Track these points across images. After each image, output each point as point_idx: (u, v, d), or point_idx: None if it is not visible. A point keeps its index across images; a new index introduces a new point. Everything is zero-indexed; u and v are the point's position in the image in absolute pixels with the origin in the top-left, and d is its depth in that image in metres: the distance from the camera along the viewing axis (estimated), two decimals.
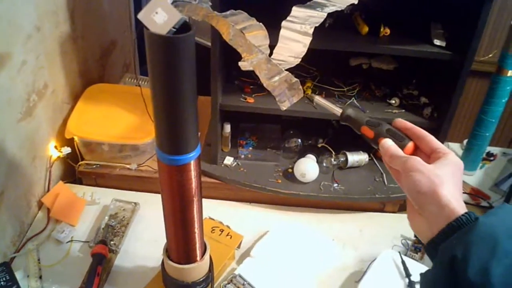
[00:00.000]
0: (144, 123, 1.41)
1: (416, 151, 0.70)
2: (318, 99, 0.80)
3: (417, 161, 0.65)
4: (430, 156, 0.67)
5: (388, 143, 0.70)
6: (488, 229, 0.56)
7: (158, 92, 0.78)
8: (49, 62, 1.33)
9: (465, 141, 1.61)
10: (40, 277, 1.17)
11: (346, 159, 1.41)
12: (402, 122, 0.72)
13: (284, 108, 0.82)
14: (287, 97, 0.81)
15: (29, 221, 1.32)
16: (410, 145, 0.69)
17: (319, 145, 1.47)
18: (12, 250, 1.23)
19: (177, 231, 0.98)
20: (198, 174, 0.90)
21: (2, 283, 1.05)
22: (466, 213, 0.59)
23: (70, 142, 1.42)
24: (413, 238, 1.31)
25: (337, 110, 0.78)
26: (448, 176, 0.62)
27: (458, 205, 0.60)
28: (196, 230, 0.99)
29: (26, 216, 1.30)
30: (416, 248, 1.28)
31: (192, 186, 0.91)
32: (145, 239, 1.29)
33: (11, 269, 1.10)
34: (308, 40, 0.86)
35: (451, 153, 0.66)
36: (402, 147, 0.69)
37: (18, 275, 1.12)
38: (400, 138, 0.70)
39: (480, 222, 0.57)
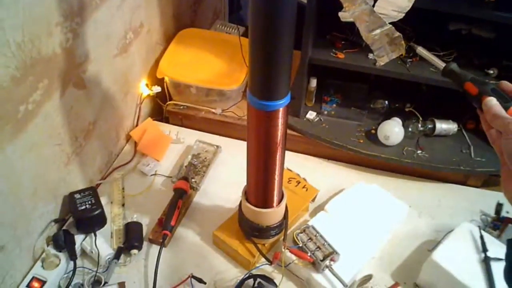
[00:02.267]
0: (232, 70, 1.44)
1: None
2: (421, 49, 0.77)
3: None
4: None
5: (492, 102, 0.67)
6: None
7: (258, 38, 0.79)
8: (146, 2, 1.38)
9: None
10: (123, 205, 1.26)
11: (434, 126, 1.35)
12: (509, 85, 0.69)
13: (382, 63, 0.80)
14: (386, 52, 0.79)
15: (116, 152, 1.40)
16: None
17: (407, 109, 1.42)
18: (99, 177, 1.32)
19: (258, 176, 1.01)
20: (285, 122, 0.92)
21: (87, 205, 1.14)
22: None
23: (160, 82, 1.48)
24: (493, 215, 1.26)
25: (439, 63, 0.75)
26: None
27: None
28: (277, 177, 1.01)
29: (115, 147, 1.39)
30: (495, 225, 1.23)
31: (278, 133, 0.92)
32: (224, 181, 1.34)
33: (97, 193, 1.19)
34: None
35: None
36: (506, 108, 0.67)
37: (103, 200, 1.20)
38: (505, 99, 0.68)
39: None
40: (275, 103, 0.86)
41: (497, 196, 1.31)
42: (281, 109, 0.88)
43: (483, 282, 1.01)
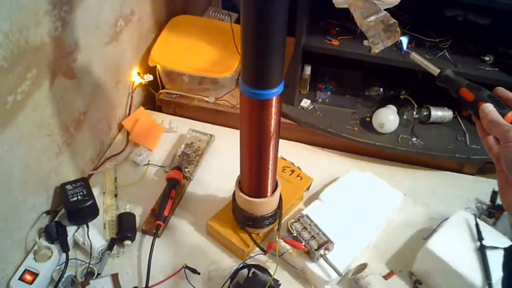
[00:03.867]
0: (225, 58, 1.42)
1: None
2: (415, 55, 0.76)
3: None
4: None
5: (489, 108, 0.66)
6: None
7: (250, 25, 0.77)
8: None
9: None
10: (116, 195, 1.24)
11: (429, 114, 1.34)
12: (505, 91, 0.68)
13: (377, 51, 0.79)
14: (381, 39, 0.78)
15: (108, 141, 1.39)
16: (511, 114, 0.66)
17: (402, 97, 1.41)
18: (91, 168, 1.30)
19: (251, 165, 1.00)
20: (278, 111, 0.90)
21: (79, 197, 1.12)
22: None
23: (152, 70, 1.45)
24: (488, 202, 1.26)
25: (434, 69, 0.74)
26: None
27: None
28: (270, 166, 1.00)
29: (106, 137, 1.37)
30: (490, 213, 1.23)
31: (271, 122, 0.91)
32: (218, 170, 1.32)
33: (89, 184, 1.17)
34: None
35: None
36: (502, 115, 0.66)
37: (95, 191, 1.18)
38: (501, 105, 0.67)
39: None
40: (268, 92, 0.85)
41: (492, 183, 1.31)
42: (274, 98, 0.87)
43: (478, 271, 1.01)
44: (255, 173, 1.01)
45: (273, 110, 0.88)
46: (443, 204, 1.27)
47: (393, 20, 0.73)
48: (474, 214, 1.12)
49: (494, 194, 1.25)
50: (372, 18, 0.74)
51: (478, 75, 1.22)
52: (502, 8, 1.11)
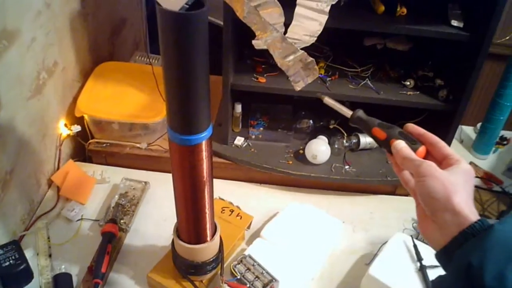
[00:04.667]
0: (154, 102, 1.40)
1: (426, 156, 0.69)
2: (328, 100, 0.79)
3: (432, 166, 0.64)
4: (441, 163, 0.66)
5: (401, 145, 0.69)
6: (503, 235, 0.56)
7: (170, 70, 0.77)
8: (59, 39, 1.32)
9: (478, 125, 1.59)
10: (50, 255, 1.17)
11: (358, 141, 1.39)
12: (414, 127, 0.71)
13: (298, 89, 0.80)
14: (301, 77, 0.80)
15: (38, 199, 1.32)
16: (422, 149, 0.69)
17: (331, 126, 1.45)
18: (22, 228, 1.23)
19: (187, 212, 0.98)
20: (209, 154, 0.90)
21: (11, 261, 1.05)
22: (479, 220, 0.59)
23: (80, 121, 1.41)
24: None
25: (347, 111, 0.77)
26: (461, 184, 0.62)
27: (470, 212, 0.60)
28: (207, 211, 0.98)
29: (36, 195, 1.31)
30: None
31: (204, 167, 0.90)
32: (155, 218, 1.29)
33: (21, 247, 1.10)
34: (324, 18, 0.84)
35: (463, 160, 0.65)
36: (414, 150, 0.68)
37: (28, 253, 1.12)
38: (413, 141, 0.69)
39: (496, 228, 0.57)
40: (197, 136, 0.84)
41: None
42: (204, 141, 0.86)
43: None
44: (192, 219, 0.99)
45: (204, 154, 0.88)
46: (382, 227, 1.30)
47: (310, 59, 0.76)
48: (411, 236, 1.15)
49: None
50: (291, 57, 0.76)
51: (401, 100, 1.28)
52: (417, 34, 1.18)
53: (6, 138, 1.13)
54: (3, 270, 1.04)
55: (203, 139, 0.85)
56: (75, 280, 1.12)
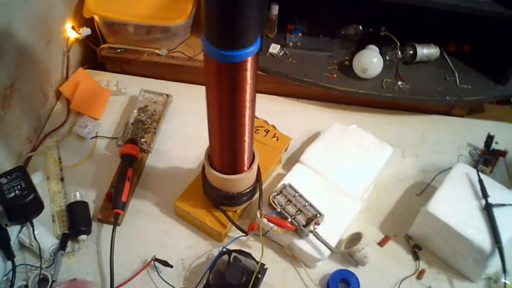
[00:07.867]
0: (176, 1, 1.20)
1: None
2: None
3: None
4: None
5: None
6: None
7: None
8: None
9: None
10: (62, 179, 1.06)
11: (415, 52, 1.18)
12: None
13: None
14: None
15: (46, 114, 1.18)
16: None
17: (382, 33, 1.23)
18: (28, 149, 1.10)
19: (223, 140, 0.83)
20: (254, 74, 0.72)
21: (17, 191, 0.91)
22: None
23: (89, 22, 1.23)
24: (482, 147, 1.15)
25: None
26: None
27: None
28: (247, 139, 0.83)
29: (43, 109, 1.16)
30: (486, 160, 1.12)
31: (247, 89, 0.73)
32: (180, 137, 1.15)
33: (27, 173, 0.96)
34: None
35: None
36: None
37: (37, 177, 1.01)
38: None
39: None
40: (242, 52, 0.66)
41: (484, 125, 1.21)
42: (249, 58, 0.68)
43: (486, 233, 0.90)
44: (228, 147, 0.84)
45: (248, 74, 0.70)
46: (434, 153, 1.16)
47: None
48: (476, 168, 1.00)
49: (489, 138, 1.14)
50: None
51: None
52: None
53: (2, 47, 0.97)
54: (8, 203, 0.90)
55: (249, 55, 0.67)
56: (92, 207, 1.01)
